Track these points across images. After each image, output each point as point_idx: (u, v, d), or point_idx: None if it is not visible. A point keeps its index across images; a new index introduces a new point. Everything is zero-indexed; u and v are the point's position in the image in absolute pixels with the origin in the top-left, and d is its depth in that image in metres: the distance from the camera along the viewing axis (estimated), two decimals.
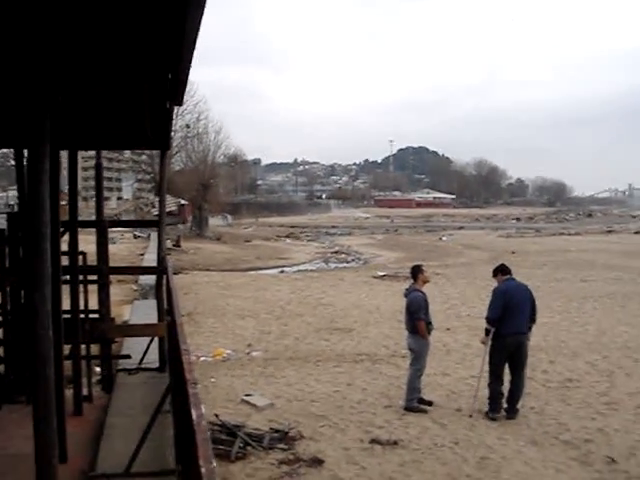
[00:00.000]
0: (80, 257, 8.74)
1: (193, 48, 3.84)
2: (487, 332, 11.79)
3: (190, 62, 4.22)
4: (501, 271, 12.24)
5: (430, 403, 12.16)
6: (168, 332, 8.97)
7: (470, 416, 11.59)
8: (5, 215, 9.77)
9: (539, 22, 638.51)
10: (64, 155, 8.69)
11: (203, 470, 2.05)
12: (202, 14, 3.13)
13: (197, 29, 3.41)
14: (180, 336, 4.11)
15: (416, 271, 12.55)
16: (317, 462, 9.72)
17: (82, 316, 8.78)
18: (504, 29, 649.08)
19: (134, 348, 10.83)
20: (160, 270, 9.76)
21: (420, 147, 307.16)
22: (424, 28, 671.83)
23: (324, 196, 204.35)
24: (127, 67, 4.99)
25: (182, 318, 7.92)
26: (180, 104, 5.96)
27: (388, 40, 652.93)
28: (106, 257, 9.47)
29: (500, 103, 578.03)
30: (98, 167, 10.03)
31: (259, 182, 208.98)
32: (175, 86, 5.20)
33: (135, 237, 52.90)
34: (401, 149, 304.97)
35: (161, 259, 9.80)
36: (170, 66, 4.67)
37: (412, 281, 12.59)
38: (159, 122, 7.55)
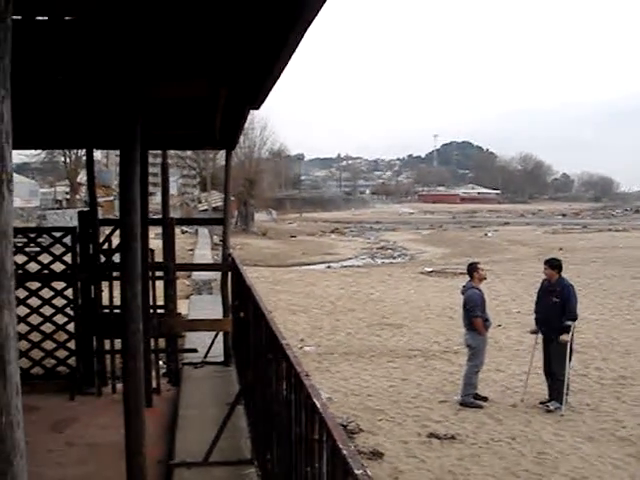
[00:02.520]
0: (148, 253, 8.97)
1: (288, 61, 3.97)
2: (567, 329, 11.79)
3: (281, 73, 4.36)
4: (559, 267, 12.27)
5: (485, 399, 12.28)
6: (235, 327, 9.21)
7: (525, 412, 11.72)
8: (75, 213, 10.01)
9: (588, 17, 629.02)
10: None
11: (345, 452, 2.22)
12: (307, 28, 3.27)
13: (298, 43, 3.56)
14: (277, 332, 4.28)
15: (472, 269, 12.67)
16: (377, 455, 9.90)
17: (151, 311, 9.00)
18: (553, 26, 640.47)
19: (196, 342, 11.05)
20: (225, 267, 9.97)
21: (464, 142, 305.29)
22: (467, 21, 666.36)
23: (367, 191, 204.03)
24: (212, 75, 5.15)
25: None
26: (258, 108, 6.12)
27: (425, 33, 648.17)
28: (173, 254, 9.69)
29: (546, 98, 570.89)
30: (164, 166, 10.26)
31: (303, 177, 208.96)
32: (257, 92, 5.36)
33: (183, 232, 53.32)
34: (445, 144, 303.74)
35: (226, 256, 10.01)
36: (260, 75, 4.81)
37: (469, 278, 12.70)
38: (231, 124, 7.74)
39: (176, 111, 7.40)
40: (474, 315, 12.09)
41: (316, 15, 3.16)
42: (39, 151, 74.73)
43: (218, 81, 5.33)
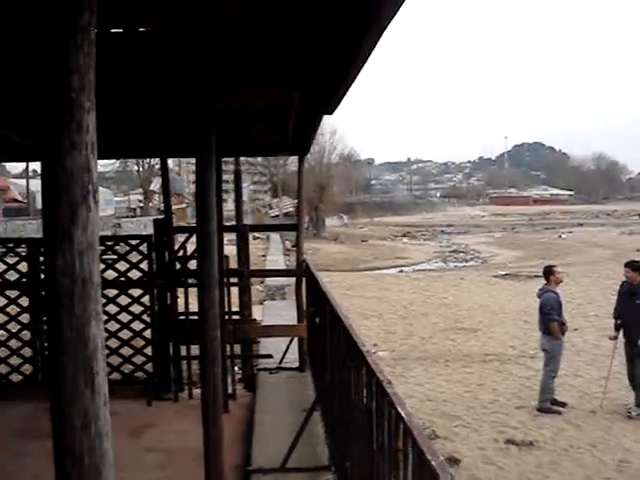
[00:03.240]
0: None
1: (362, 67, 3.95)
2: None
3: (355, 79, 4.34)
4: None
5: (564, 404, 12.04)
6: (311, 333, 9.22)
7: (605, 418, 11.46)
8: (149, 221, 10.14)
9: None
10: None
11: (434, 464, 2.18)
12: (381, 34, 3.24)
13: (372, 49, 3.53)
14: (356, 338, 4.25)
15: (549, 271, 12.44)
16: (454, 461, 9.77)
17: (226, 317, 9.08)
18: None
19: (270, 348, 11.10)
20: (300, 272, 9.99)
21: (536, 143, 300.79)
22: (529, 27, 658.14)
23: (438, 194, 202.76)
24: (286, 82, 5.16)
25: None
26: (331, 114, 6.11)
27: (495, 34, 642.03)
28: (247, 260, 9.76)
29: (619, 96, 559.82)
30: (237, 173, 10.36)
31: (373, 182, 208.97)
32: (330, 98, 5.35)
33: (254, 238, 53.69)
34: (516, 145, 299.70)
35: (300, 262, 10.04)
36: (333, 81, 4.80)
37: (544, 281, 12.48)
38: (304, 130, 7.76)
39: (249, 118, 7.45)
40: (550, 319, 11.87)
41: (390, 21, 3.13)
42: (113, 160, 76.26)
43: (291, 88, 5.35)
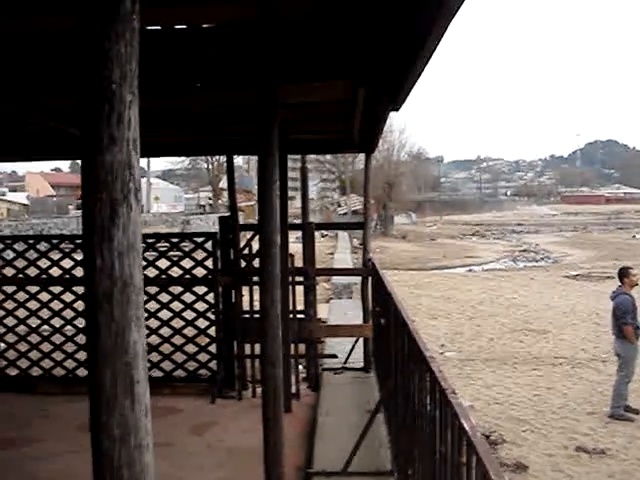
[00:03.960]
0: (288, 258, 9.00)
1: (429, 59, 3.83)
2: None
3: (422, 72, 4.21)
4: None
5: (637, 411, 11.68)
6: (376, 334, 9.09)
7: None
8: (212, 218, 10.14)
9: None
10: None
11: None
12: (448, 26, 3.12)
13: (439, 40, 3.40)
14: (420, 343, 4.11)
15: (624, 273, 12.09)
16: (521, 468, 9.56)
17: (291, 316, 9.02)
18: None
19: (336, 347, 11.01)
20: (366, 272, 9.88)
21: (609, 140, 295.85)
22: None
23: (509, 193, 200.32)
24: (350, 76, 5.05)
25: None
26: (398, 110, 5.97)
27: (566, 30, 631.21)
28: (312, 259, 9.66)
29: None
30: (303, 170, 10.29)
31: (442, 180, 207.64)
32: (397, 92, 5.22)
33: (322, 236, 53.70)
34: (589, 143, 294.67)
35: (366, 261, 9.92)
36: (400, 75, 4.68)
37: (619, 283, 12.13)
38: (369, 126, 7.64)
39: (315, 115, 7.37)
40: (624, 322, 11.52)
41: (456, 13, 3.00)
42: (183, 158, 77.16)
43: (356, 82, 5.23)
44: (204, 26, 4.77)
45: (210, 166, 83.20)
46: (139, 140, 1.66)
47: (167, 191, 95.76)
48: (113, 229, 1.59)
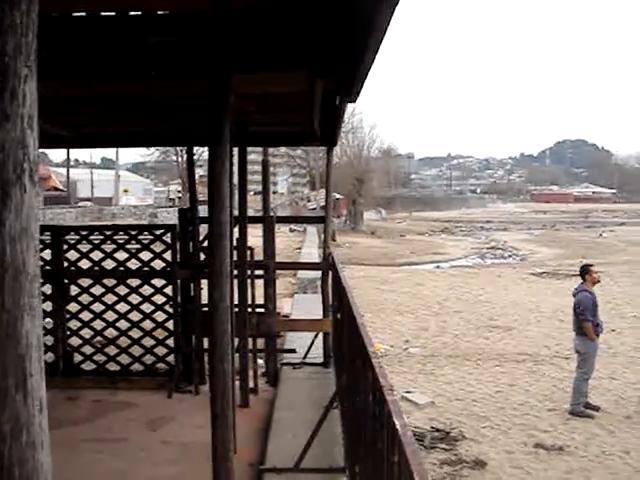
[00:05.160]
0: (248, 252, 8.91)
1: (380, 45, 3.76)
2: None
3: (374, 60, 4.14)
4: None
5: (597, 408, 11.72)
6: (334, 328, 9.01)
7: None
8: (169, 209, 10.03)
9: None
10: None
11: None
12: (395, 7, 3.04)
13: (385, 27, 3.33)
14: (365, 338, 4.03)
15: (585, 271, 12.13)
16: (480, 464, 9.57)
17: (249, 310, 8.92)
18: None
19: (297, 342, 10.93)
20: (325, 266, 9.81)
21: (578, 140, 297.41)
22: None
23: (478, 190, 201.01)
24: (301, 63, 4.96)
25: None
26: (354, 101, 5.90)
27: (536, 29, 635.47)
28: (273, 252, 9.58)
29: None
30: (265, 163, 10.20)
31: (413, 176, 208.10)
32: (351, 83, 5.15)
33: (291, 230, 53.68)
34: (558, 142, 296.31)
35: (326, 255, 9.85)
36: (350, 63, 4.61)
37: (581, 281, 12.16)
38: (329, 119, 7.56)
39: (274, 107, 7.29)
40: (584, 319, 11.55)
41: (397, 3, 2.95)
42: (152, 150, 76.64)
43: (313, 73, 5.15)
44: (159, 13, 4.69)
45: (180, 159, 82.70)
46: (36, 118, 1.55)
47: (137, 184, 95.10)
48: (5, 212, 1.49)
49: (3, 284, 1.50)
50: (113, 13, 4.73)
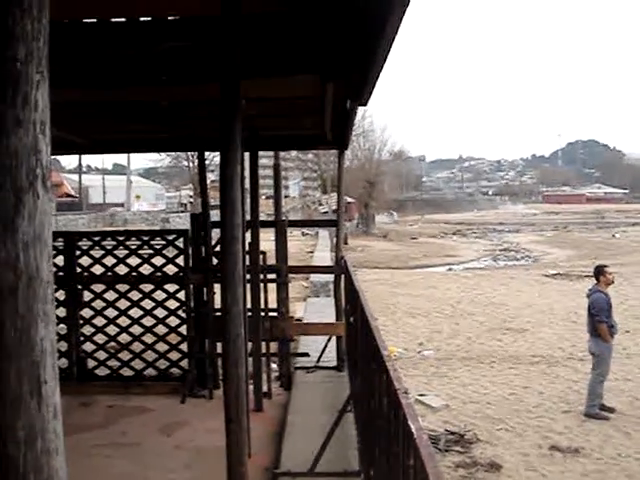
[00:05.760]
0: (260, 256, 8.91)
1: (390, 48, 3.76)
2: None
3: (384, 63, 4.14)
4: None
5: (612, 410, 11.65)
6: (348, 332, 9.00)
7: None
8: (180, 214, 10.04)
9: None
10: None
11: None
12: (405, 11, 3.04)
13: (395, 32, 3.33)
14: (379, 341, 4.02)
15: (599, 272, 12.06)
16: (495, 467, 9.52)
17: (262, 314, 8.92)
18: None
19: (311, 346, 10.92)
20: (338, 270, 9.80)
21: (590, 140, 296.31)
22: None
23: (490, 192, 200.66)
24: (312, 67, 4.96)
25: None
26: (365, 104, 5.90)
27: (549, 31, 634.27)
28: (285, 256, 9.57)
29: None
30: (276, 167, 10.19)
31: (424, 179, 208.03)
32: (362, 86, 5.15)
33: (303, 234, 53.65)
34: (570, 143, 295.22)
35: (339, 259, 9.84)
36: (360, 66, 4.61)
37: (595, 282, 12.10)
38: (340, 123, 7.56)
39: (286, 111, 7.30)
40: (599, 320, 11.49)
41: (408, 5, 2.95)
42: (164, 156, 76.89)
43: (324, 77, 5.15)
44: (169, 18, 4.70)
45: (191, 164, 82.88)
46: (49, 124, 1.55)
47: (148, 189, 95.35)
48: (18, 219, 1.49)
49: (17, 290, 1.50)
50: (123, 19, 4.74)
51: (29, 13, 1.50)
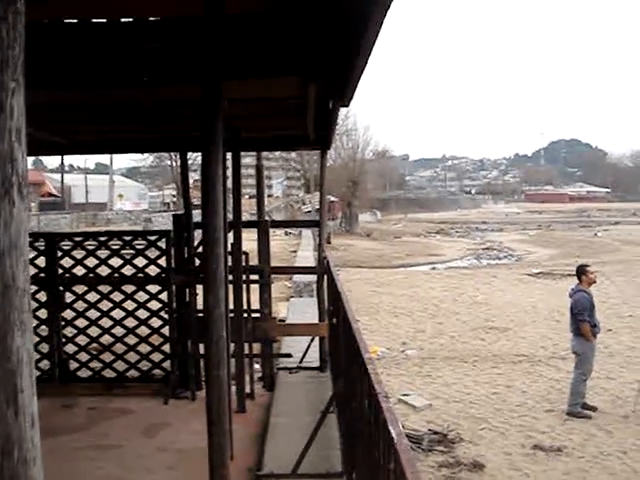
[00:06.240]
0: (242, 257, 8.89)
1: (371, 49, 3.76)
2: None
3: (366, 64, 4.14)
4: None
5: (594, 409, 11.72)
6: (330, 333, 9.00)
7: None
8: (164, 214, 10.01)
9: None
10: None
11: None
12: (386, 13, 3.04)
13: (380, 27, 3.33)
14: (361, 344, 4.02)
15: (581, 271, 12.11)
16: (478, 466, 9.55)
17: (245, 315, 8.91)
18: None
19: (294, 347, 10.92)
20: (321, 270, 9.79)
21: (572, 139, 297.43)
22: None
23: (473, 191, 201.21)
24: (294, 68, 4.96)
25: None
26: (347, 105, 5.90)
27: (529, 29, 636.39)
28: (268, 257, 9.57)
29: None
30: (259, 168, 10.18)
31: (408, 178, 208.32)
32: (344, 87, 5.15)
33: (286, 234, 53.59)
34: (553, 142, 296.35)
35: (322, 259, 9.83)
36: (342, 67, 4.61)
37: (577, 281, 12.15)
38: (322, 123, 7.55)
39: (268, 112, 7.28)
40: (581, 319, 11.54)
41: (388, 7, 2.96)
42: (146, 155, 76.68)
43: (306, 77, 5.15)
44: (151, 19, 4.68)
45: (174, 163, 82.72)
46: (24, 131, 1.54)
47: (131, 189, 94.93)
48: None
49: None
50: (104, 20, 4.72)
51: (4, 20, 1.49)
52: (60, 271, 9.63)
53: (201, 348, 9.33)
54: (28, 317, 1.56)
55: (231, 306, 7.81)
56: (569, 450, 10.06)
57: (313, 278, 20.87)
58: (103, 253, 9.67)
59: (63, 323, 9.75)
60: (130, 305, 9.63)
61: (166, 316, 9.55)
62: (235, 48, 4.46)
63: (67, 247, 9.74)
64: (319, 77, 5.17)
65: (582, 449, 10.10)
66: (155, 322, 9.66)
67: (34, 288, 9.51)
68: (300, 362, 10.05)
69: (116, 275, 9.60)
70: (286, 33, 4.48)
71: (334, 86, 5.41)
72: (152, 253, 9.61)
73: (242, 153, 8.83)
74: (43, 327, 9.61)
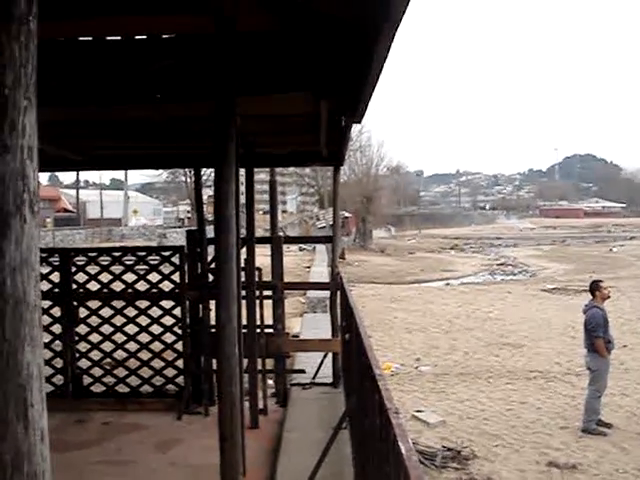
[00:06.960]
0: (256, 272, 8.91)
1: (382, 67, 3.78)
2: None
3: (377, 81, 4.16)
4: None
5: (610, 425, 11.61)
6: (343, 348, 8.99)
7: None
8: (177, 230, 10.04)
9: None
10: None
11: None
12: (397, 30, 3.07)
13: (387, 49, 3.35)
14: (372, 360, 4.02)
15: (595, 287, 12.04)
16: None
17: (258, 331, 8.92)
18: None
19: (307, 362, 10.91)
20: (334, 286, 9.80)
21: (587, 154, 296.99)
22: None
23: (487, 207, 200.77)
24: (306, 85, 4.99)
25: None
26: (359, 121, 5.93)
27: (545, 45, 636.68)
28: (281, 273, 9.59)
29: None
30: (272, 184, 10.22)
31: (422, 193, 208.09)
32: (356, 103, 5.17)
33: (300, 249, 53.61)
34: (567, 157, 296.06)
35: (334, 275, 9.84)
36: (353, 84, 4.63)
37: (591, 297, 12.09)
38: (335, 139, 7.58)
39: (281, 128, 7.32)
40: (595, 335, 11.48)
41: (399, 23, 2.97)
42: (161, 171, 76.91)
43: (318, 94, 5.18)
44: (164, 37, 4.72)
45: (189, 179, 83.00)
46: (36, 149, 1.57)
47: (146, 204, 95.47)
48: (5, 243, 1.50)
49: (4, 315, 1.50)
50: (119, 38, 4.76)
51: (17, 39, 1.52)
52: (74, 286, 9.69)
53: (214, 364, 9.36)
54: (39, 332, 1.57)
55: (244, 322, 7.82)
56: (584, 467, 9.97)
57: (327, 294, 20.93)
58: (117, 269, 9.72)
59: (77, 338, 9.79)
60: (144, 320, 9.67)
61: (179, 331, 9.57)
62: (247, 65, 4.49)
63: (81, 262, 9.80)
64: (330, 94, 5.21)
65: (597, 466, 10.01)
66: (169, 337, 9.69)
67: (48, 303, 9.58)
68: (313, 378, 10.05)
69: (130, 290, 9.64)
70: (297, 50, 4.52)
71: (346, 103, 5.44)
72: (166, 269, 9.63)
73: (256, 169, 8.87)
74: (57, 342, 9.65)
